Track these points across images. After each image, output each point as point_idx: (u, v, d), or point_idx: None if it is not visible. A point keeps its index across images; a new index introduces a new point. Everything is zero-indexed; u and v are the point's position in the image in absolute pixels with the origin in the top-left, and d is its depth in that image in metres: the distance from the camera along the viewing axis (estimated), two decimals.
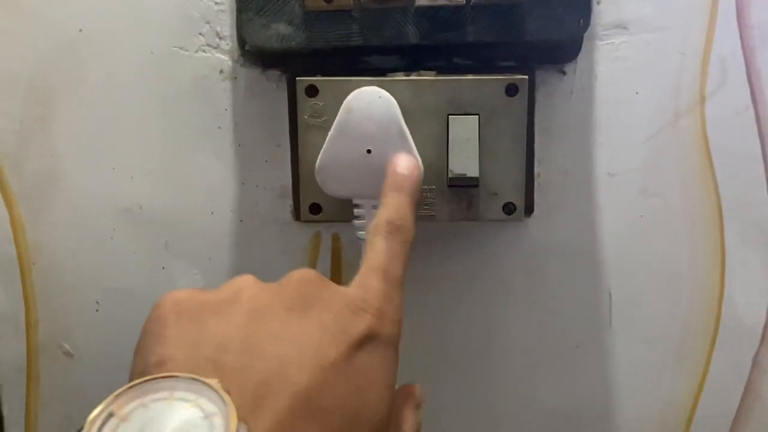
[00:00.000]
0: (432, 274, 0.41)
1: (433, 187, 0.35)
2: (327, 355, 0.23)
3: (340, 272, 0.42)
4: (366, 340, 0.24)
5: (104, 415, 0.20)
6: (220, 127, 0.40)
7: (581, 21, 0.35)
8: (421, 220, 0.36)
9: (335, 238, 0.41)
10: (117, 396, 0.20)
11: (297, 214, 0.40)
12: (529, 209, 0.40)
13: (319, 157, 0.34)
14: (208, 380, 0.20)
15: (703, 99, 0.39)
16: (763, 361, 0.41)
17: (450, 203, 0.36)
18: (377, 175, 0.33)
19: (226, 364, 0.22)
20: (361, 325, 0.24)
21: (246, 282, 0.25)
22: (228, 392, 0.20)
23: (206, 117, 0.40)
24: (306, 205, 0.36)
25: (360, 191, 0.33)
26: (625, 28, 0.39)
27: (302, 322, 0.24)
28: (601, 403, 0.42)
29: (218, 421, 0.19)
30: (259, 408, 0.21)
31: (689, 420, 0.42)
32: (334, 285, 0.26)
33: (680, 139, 0.40)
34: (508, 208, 0.36)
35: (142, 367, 0.23)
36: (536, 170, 0.40)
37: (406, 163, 0.31)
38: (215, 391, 0.20)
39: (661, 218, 0.41)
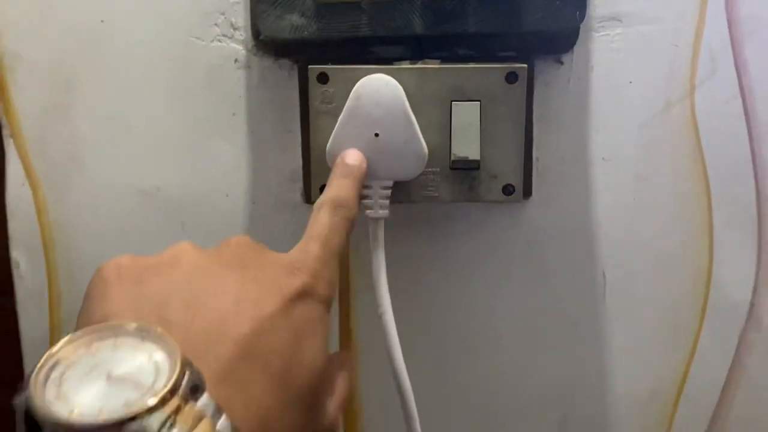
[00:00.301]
0: (436, 253, 0.44)
1: (437, 169, 0.38)
2: (264, 306, 0.25)
3: (348, 252, 0.44)
4: (302, 295, 0.26)
5: (51, 362, 0.20)
6: (234, 114, 0.42)
7: (577, 13, 0.37)
8: (426, 201, 0.39)
9: None
10: (62, 345, 0.20)
11: (307, 197, 0.42)
12: (527, 192, 0.42)
13: (330, 140, 0.36)
14: (151, 326, 0.21)
15: (693, 88, 0.41)
16: (749, 337, 0.44)
17: (452, 185, 0.38)
18: (385, 158, 0.35)
19: (168, 318, 0.23)
20: (297, 282, 0.26)
21: (184, 247, 0.27)
22: None
23: (221, 104, 0.42)
24: (317, 186, 0.38)
25: (368, 173, 0.36)
26: (619, 20, 0.41)
27: (241, 278, 0.25)
28: (596, 375, 0.45)
29: (163, 361, 0.20)
30: (203, 356, 0.22)
31: (679, 392, 0.44)
32: (270, 251, 0.28)
33: (671, 126, 0.42)
34: (508, 190, 0.38)
35: (86, 325, 0.23)
36: (534, 155, 0.42)
37: (354, 156, 0.34)
38: (159, 336, 0.20)
39: (653, 201, 0.43)
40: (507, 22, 0.38)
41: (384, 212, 0.36)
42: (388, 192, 0.36)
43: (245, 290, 0.25)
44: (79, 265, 0.44)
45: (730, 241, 0.43)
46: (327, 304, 0.27)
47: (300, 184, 0.43)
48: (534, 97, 0.41)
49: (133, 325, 0.21)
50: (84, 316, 0.24)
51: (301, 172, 0.42)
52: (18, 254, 0.44)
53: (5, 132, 0.43)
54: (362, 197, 0.36)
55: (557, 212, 0.43)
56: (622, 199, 0.43)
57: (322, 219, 0.30)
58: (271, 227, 0.44)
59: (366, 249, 0.37)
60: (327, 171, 0.37)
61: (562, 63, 0.41)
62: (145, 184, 0.43)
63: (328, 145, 0.36)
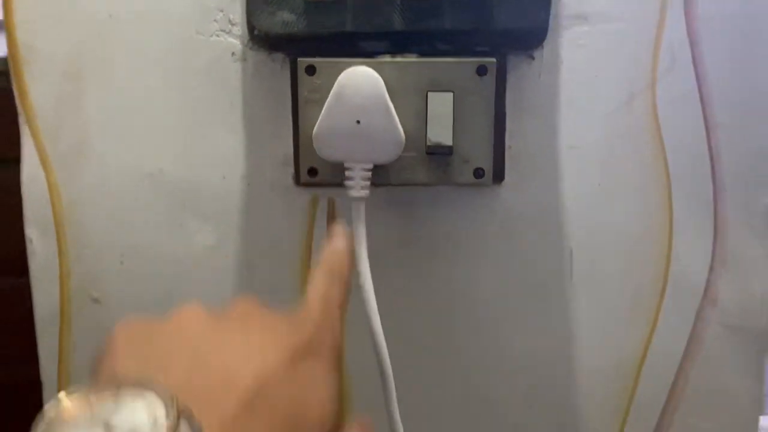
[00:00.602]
0: (415, 234, 0.47)
1: (414, 154, 0.41)
2: (269, 361, 0.25)
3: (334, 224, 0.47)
4: (307, 350, 0.26)
5: (51, 414, 0.20)
6: (231, 103, 0.46)
7: (541, 13, 0.41)
8: (404, 183, 0.42)
9: (330, 202, 0.47)
10: (63, 398, 0.21)
11: (297, 178, 0.46)
12: (499, 176, 0.45)
13: (316, 126, 0.39)
14: (152, 380, 0.21)
15: (654, 81, 0.45)
16: (706, 314, 0.47)
17: (428, 168, 0.42)
18: (365, 143, 0.39)
19: (173, 374, 0.23)
20: (301, 336, 0.26)
21: (192, 307, 0.28)
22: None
23: (219, 94, 0.46)
24: (304, 168, 0.42)
25: (350, 156, 0.39)
26: (585, 19, 0.44)
27: (245, 335, 0.26)
28: (562, 348, 0.48)
29: (161, 412, 0.20)
30: (206, 408, 0.22)
31: (641, 363, 0.48)
32: (275, 309, 0.28)
33: (634, 116, 0.45)
34: (478, 173, 0.42)
35: (95, 381, 0.24)
36: (507, 143, 0.46)
37: (341, 236, 0.32)
38: (159, 388, 0.21)
39: (617, 186, 0.46)
40: (480, 21, 0.41)
41: (365, 192, 0.40)
42: (369, 174, 0.40)
43: (250, 346, 0.25)
44: (88, 241, 0.48)
45: (689, 224, 0.46)
46: (333, 358, 0.27)
47: (291, 168, 0.46)
48: (507, 90, 0.45)
49: (133, 378, 0.22)
50: (94, 372, 0.26)
51: (292, 156, 0.46)
52: (31, 232, 0.48)
53: (21, 119, 0.46)
54: (345, 178, 0.40)
55: (528, 196, 0.46)
56: (588, 185, 0.46)
57: (320, 278, 0.30)
58: (265, 208, 0.47)
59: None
60: (314, 155, 0.41)
61: (533, 58, 0.45)
62: (149, 168, 0.47)
63: (314, 131, 0.39)
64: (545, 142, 0.46)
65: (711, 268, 0.47)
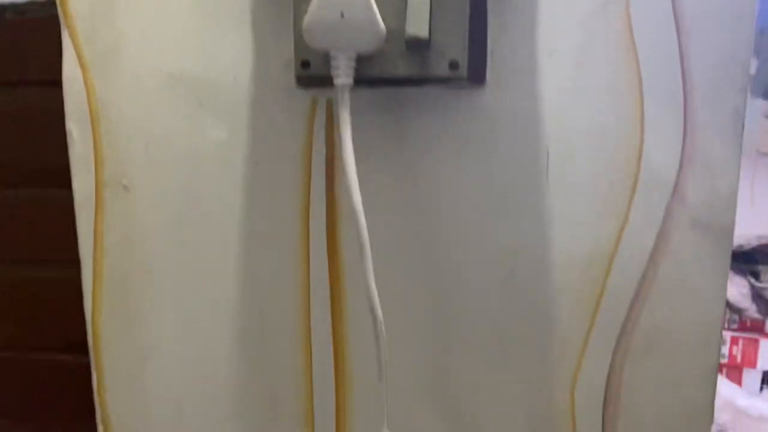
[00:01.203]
0: (400, 135, 0.52)
1: (394, 47, 0.46)
2: None
3: (332, 128, 0.53)
4: None
5: None
6: (241, 9, 0.51)
7: None
8: (385, 75, 0.47)
9: (328, 103, 0.52)
10: None
11: (297, 78, 0.51)
12: (480, 77, 0.49)
13: (305, 19, 0.44)
14: None
15: None
16: (674, 210, 0.50)
17: (407, 62, 0.46)
18: (348, 33, 0.44)
19: None
20: None
21: None
22: None
23: (231, 2, 0.51)
24: (298, 61, 0.47)
25: (335, 45, 0.44)
26: None
27: None
28: (539, 242, 0.52)
29: None
30: None
31: (612, 256, 0.51)
32: None
33: (608, 20, 0.48)
34: (453, 65, 0.46)
35: None
36: (489, 47, 0.50)
37: None
38: None
39: (592, 88, 0.49)
40: None
41: (349, 79, 0.45)
42: (353, 63, 0.45)
43: None
44: (118, 134, 0.55)
45: (659, 124, 0.49)
46: None
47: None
48: None
49: None
50: None
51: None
52: (71, 125, 0.55)
53: (62, 24, 0.53)
54: (330, 68, 0.45)
55: (508, 98, 0.50)
56: (564, 87, 0.50)
57: None
58: (270, 105, 0.53)
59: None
60: (306, 48, 0.46)
61: None
62: (170, 68, 0.53)
63: (303, 24, 0.45)
64: (524, 46, 0.50)
65: (680, 167, 0.50)
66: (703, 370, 0.52)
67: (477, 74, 0.49)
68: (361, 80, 0.46)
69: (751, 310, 1.67)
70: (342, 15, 0.44)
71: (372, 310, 0.45)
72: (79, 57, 0.54)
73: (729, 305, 1.92)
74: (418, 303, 0.54)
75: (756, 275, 1.64)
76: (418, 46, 0.45)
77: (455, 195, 0.52)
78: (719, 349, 0.52)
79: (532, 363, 0.54)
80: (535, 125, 0.51)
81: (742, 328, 1.74)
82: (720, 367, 1.95)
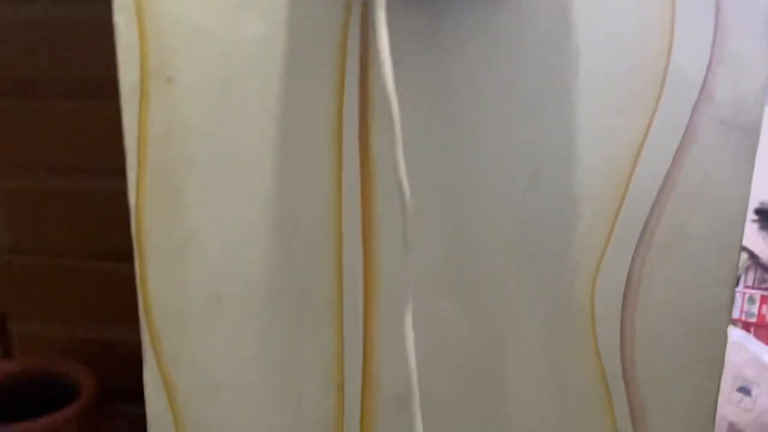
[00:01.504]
0: (436, 28, 0.53)
1: None
2: None
3: (366, 24, 0.54)
4: None
5: None
6: None
7: None
8: None
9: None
10: None
11: None
12: None
13: None
14: None
15: None
16: (701, 108, 0.51)
17: None
18: None
19: None
20: None
21: None
22: None
23: None
24: None
25: None
26: None
27: None
28: (566, 144, 0.53)
29: None
30: None
31: (638, 153, 0.52)
32: None
33: None
34: None
35: None
36: None
37: None
38: None
39: None
40: None
41: None
42: None
43: None
44: (163, 27, 0.57)
45: (690, 24, 0.50)
46: None
47: None
48: None
49: None
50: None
51: None
52: (119, 17, 0.57)
53: None
54: None
55: (538, 14, 0.51)
56: None
57: None
58: (305, 2, 0.55)
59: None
60: None
61: None
62: None
63: None
64: None
65: (709, 66, 0.50)
66: (724, 268, 0.53)
67: None
68: None
69: None
70: None
71: (400, 187, 0.47)
72: None
73: (760, 264, 1.90)
74: (445, 193, 0.56)
75: None
76: None
77: (485, 98, 0.54)
78: (739, 249, 0.53)
79: (553, 260, 0.55)
80: (565, 26, 0.52)
81: None
82: (748, 326, 1.95)
